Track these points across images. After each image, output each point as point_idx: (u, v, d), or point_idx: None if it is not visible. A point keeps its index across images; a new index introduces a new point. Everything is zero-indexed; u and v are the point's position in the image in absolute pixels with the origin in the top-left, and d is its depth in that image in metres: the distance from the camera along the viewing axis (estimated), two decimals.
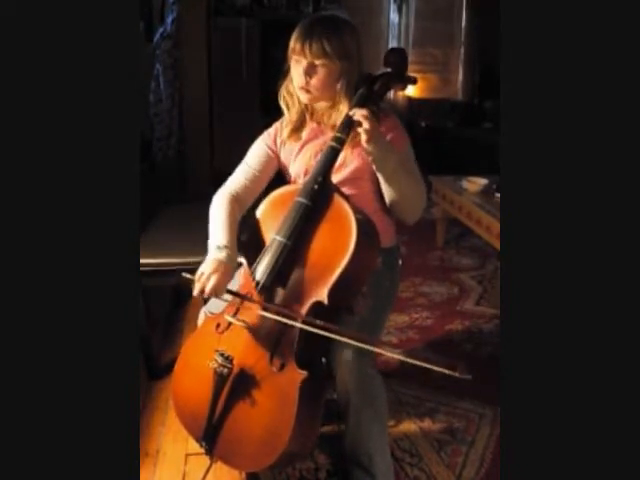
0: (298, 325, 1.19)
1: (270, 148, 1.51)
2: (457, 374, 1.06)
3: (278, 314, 1.21)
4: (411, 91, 5.41)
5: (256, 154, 1.51)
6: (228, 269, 1.28)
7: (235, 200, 1.44)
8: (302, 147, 1.48)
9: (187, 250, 1.86)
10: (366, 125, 1.24)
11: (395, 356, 1.13)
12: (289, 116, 1.48)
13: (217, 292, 1.24)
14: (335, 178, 1.38)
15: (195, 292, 1.25)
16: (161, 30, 3.82)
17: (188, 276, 1.27)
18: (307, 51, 1.33)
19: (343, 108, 1.37)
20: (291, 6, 4.87)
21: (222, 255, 1.29)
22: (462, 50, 5.54)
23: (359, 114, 1.25)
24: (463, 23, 5.47)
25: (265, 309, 1.23)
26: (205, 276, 1.25)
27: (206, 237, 1.38)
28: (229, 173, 1.55)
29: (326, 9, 4.62)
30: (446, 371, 1.06)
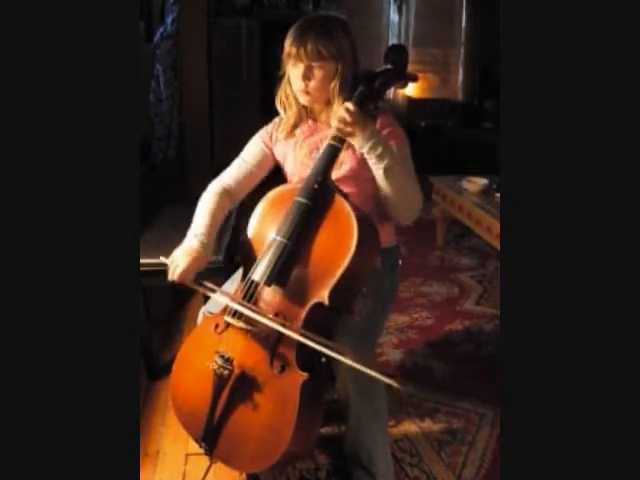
0: (293, 335, 1.18)
1: (266, 144, 1.52)
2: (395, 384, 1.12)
3: (273, 321, 1.20)
4: (411, 91, 5.42)
5: (252, 150, 1.53)
6: (199, 256, 1.31)
7: (226, 193, 1.47)
8: (296, 144, 1.49)
9: None
10: (348, 119, 1.24)
11: (381, 378, 1.15)
12: (286, 118, 1.49)
13: (184, 279, 1.28)
14: (332, 176, 1.37)
15: (169, 277, 1.30)
16: (161, 30, 3.82)
17: (165, 261, 1.32)
18: (303, 55, 1.34)
19: (337, 107, 1.37)
20: (291, 5, 4.87)
21: (194, 242, 1.34)
22: (462, 50, 5.55)
23: (342, 108, 1.26)
24: (463, 23, 5.48)
25: (257, 314, 1.23)
26: (174, 263, 1.30)
27: None
28: None
29: (328, 9, 4.62)
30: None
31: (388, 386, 1.17)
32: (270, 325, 1.20)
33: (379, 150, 1.29)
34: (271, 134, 1.53)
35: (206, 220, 1.39)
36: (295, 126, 1.49)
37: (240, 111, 4.24)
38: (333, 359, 1.28)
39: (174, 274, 1.28)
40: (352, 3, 5.11)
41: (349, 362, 1.13)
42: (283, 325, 1.19)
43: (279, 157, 1.53)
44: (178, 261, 1.29)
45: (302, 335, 1.17)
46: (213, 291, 1.31)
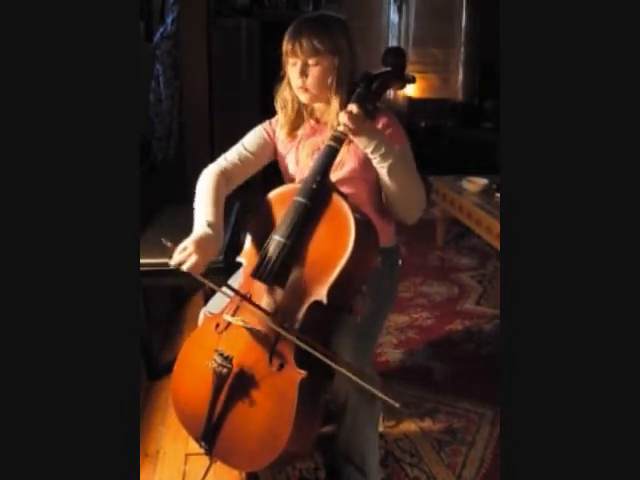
0: (289, 337, 1.18)
1: (268, 134, 1.52)
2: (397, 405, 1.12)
3: (273, 319, 1.20)
4: (411, 91, 5.41)
5: (253, 137, 1.52)
6: (211, 247, 1.27)
7: (223, 176, 1.44)
8: (298, 145, 1.49)
9: None
10: (349, 121, 1.24)
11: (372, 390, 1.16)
12: (285, 120, 1.49)
13: (196, 269, 1.22)
14: (332, 178, 1.38)
15: (172, 262, 1.23)
16: (161, 30, 3.82)
17: (168, 244, 1.24)
18: (298, 51, 1.34)
19: (335, 105, 1.38)
20: (291, 6, 4.86)
21: (207, 232, 1.28)
22: (462, 50, 5.54)
23: (343, 112, 1.26)
24: (463, 23, 5.47)
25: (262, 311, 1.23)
26: (187, 251, 1.23)
27: None
28: None
29: (328, 9, 4.62)
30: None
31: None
32: (271, 326, 1.20)
33: (382, 150, 1.30)
34: (274, 128, 1.52)
35: (212, 207, 1.35)
36: (295, 127, 1.49)
37: (240, 111, 4.24)
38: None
39: (186, 264, 1.22)
40: (352, 3, 5.11)
41: (344, 372, 1.13)
42: (282, 327, 1.19)
43: (280, 154, 1.52)
44: (190, 250, 1.22)
45: (300, 340, 1.17)
46: (207, 282, 1.26)
